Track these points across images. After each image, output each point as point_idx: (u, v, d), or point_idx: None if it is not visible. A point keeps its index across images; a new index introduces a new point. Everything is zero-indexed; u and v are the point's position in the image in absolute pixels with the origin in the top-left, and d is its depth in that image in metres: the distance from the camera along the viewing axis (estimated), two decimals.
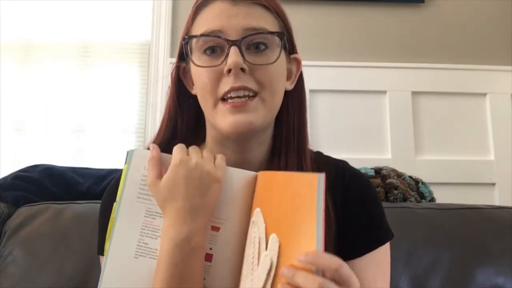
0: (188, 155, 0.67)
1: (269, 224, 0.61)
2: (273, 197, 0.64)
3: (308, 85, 0.82)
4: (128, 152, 0.69)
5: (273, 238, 0.58)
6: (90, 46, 2.09)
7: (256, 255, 0.60)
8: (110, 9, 2.11)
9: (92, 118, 2.04)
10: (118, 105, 2.06)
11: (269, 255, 0.57)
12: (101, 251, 0.73)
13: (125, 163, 0.68)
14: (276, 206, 0.62)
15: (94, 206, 1.06)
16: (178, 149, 0.68)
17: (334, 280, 0.51)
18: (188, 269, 0.62)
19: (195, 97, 0.77)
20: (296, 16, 0.81)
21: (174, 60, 0.79)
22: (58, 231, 1.04)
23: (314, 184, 0.57)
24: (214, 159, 0.69)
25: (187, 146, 0.71)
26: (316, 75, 1.98)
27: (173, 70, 0.78)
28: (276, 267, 0.56)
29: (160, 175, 0.66)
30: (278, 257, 0.56)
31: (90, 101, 2.05)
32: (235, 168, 0.69)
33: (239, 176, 0.68)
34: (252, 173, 0.69)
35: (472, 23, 2.14)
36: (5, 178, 1.16)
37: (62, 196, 1.12)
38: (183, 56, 0.77)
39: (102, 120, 2.04)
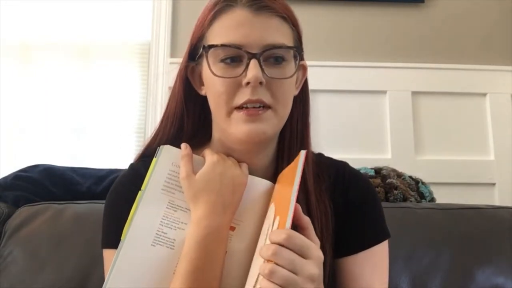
0: None
1: (277, 211, 0.65)
2: (279, 187, 0.69)
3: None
4: (159, 148, 0.74)
5: (276, 220, 0.62)
6: (90, 46, 2.08)
7: (263, 243, 0.63)
8: (110, 9, 2.11)
9: (92, 118, 2.04)
10: (118, 105, 2.06)
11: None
12: (106, 243, 0.74)
13: (155, 157, 0.73)
14: (280, 192, 0.68)
15: (94, 206, 1.06)
16: (212, 151, 0.74)
17: (293, 250, 0.56)
18: (215, 258, 0.66)
19: (202, 97, 0.77)
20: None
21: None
22: (58, 231, 1.03)
23: (297, 161, 0.63)
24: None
25: (192, 145, 0.75)
26: (316, 75, 1.96)
27: (181, 70, 0.78)
28: None
29: (193, 171, 0.70)
30: None
31: (90, 101, 2.05)
32: (254, 177, 0.74)
33: (258, 183, 0.73)
34: (270, 183, 0.73)
35: (472, 23, 2.14)
36: (5, 178, 1.15)
37: (62, 196, 1.12)
38: (192, 57, 0.77)
39: (102, 120, 2.04)
